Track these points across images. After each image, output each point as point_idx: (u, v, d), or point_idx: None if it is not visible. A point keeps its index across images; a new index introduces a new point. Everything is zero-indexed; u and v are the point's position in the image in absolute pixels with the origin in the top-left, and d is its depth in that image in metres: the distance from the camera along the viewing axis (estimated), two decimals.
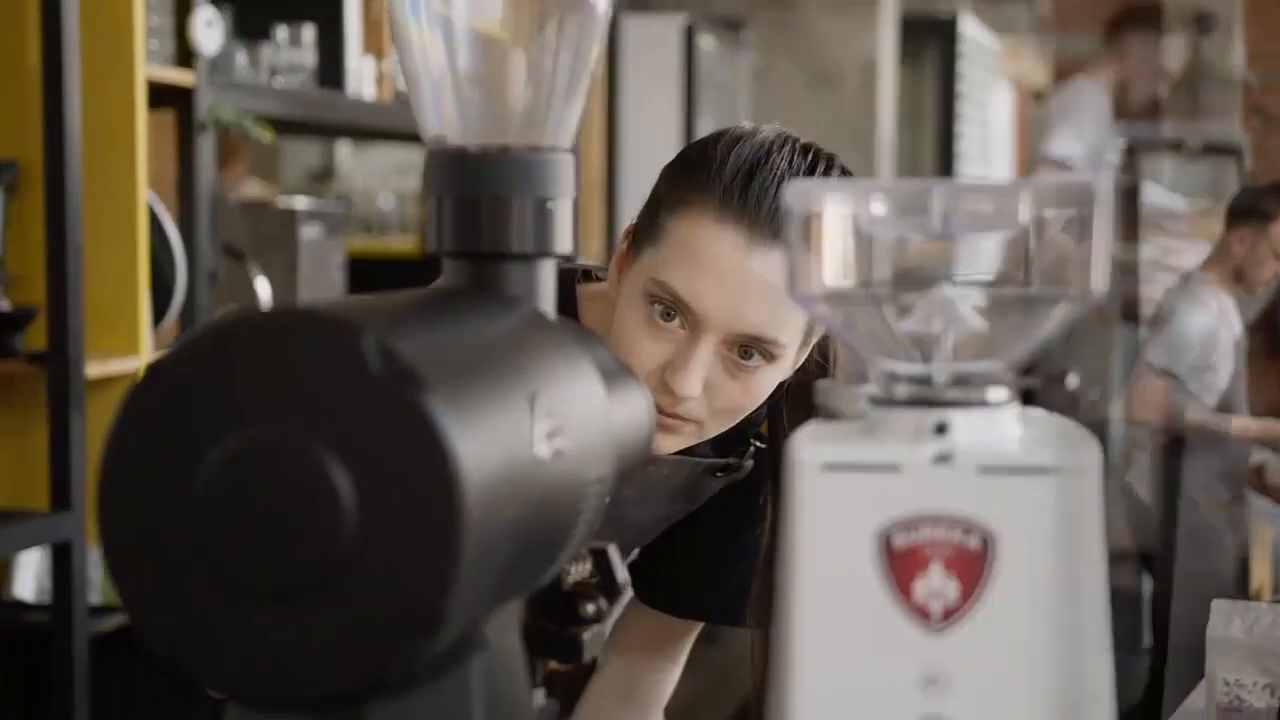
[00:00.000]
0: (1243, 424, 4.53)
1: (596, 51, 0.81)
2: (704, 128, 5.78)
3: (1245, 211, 4.39)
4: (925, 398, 0.68)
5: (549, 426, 0.68)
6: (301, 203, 3.28)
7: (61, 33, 2.38)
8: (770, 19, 5.77)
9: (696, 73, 5.07)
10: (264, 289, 3.03)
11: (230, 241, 3.08)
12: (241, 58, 3.01)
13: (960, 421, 0.67)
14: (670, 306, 1.26)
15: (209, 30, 2.69)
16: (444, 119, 0.78)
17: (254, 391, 0.60)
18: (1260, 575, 5.00)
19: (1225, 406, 4.38)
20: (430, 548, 0.59)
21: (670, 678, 1.53)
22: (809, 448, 0.67)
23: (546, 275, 0.79)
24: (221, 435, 0.60)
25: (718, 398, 1.28)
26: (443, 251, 0.77)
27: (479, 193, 0.77)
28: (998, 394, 0.69)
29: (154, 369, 0.61)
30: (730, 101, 5.43)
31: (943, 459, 0.66)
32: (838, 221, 0.68)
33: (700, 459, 1.41)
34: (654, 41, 4.90)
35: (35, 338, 2.43)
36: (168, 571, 0.61)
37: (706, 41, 5.18)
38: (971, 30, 7.79)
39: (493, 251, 0.77)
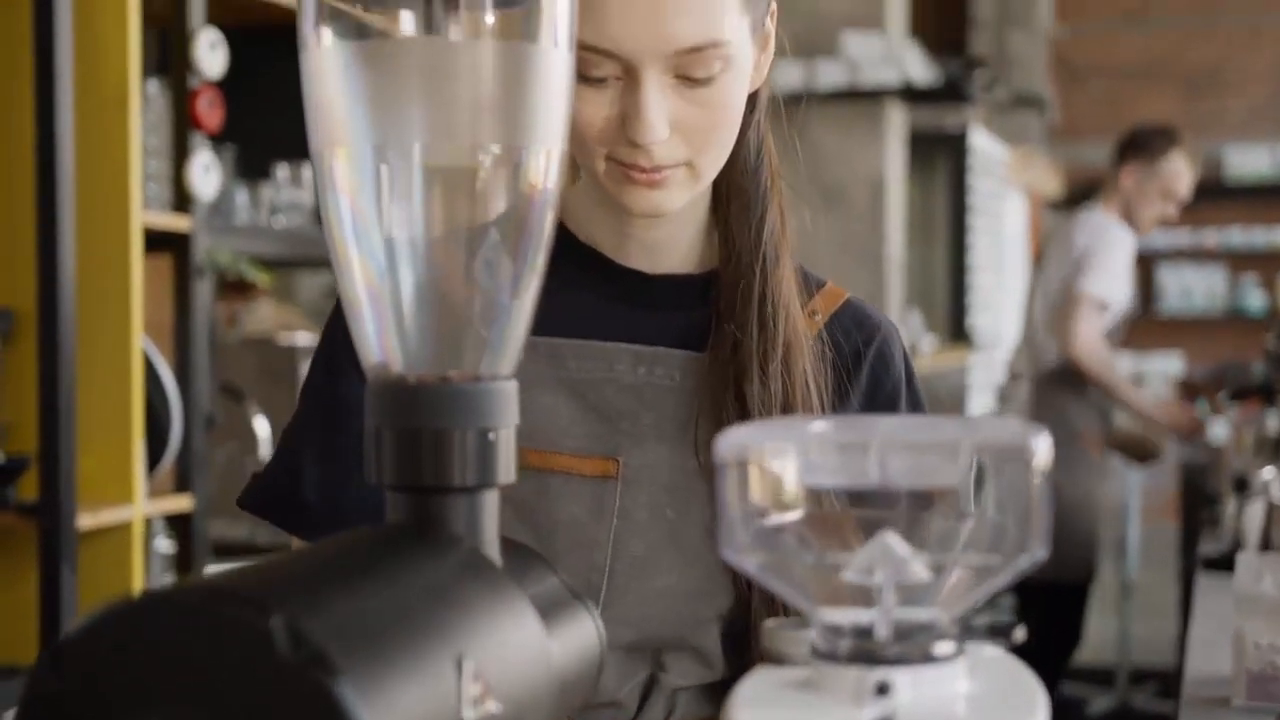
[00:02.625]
0: (1150, 402, 4.46)
1: (539, 270, 0.79)
2: None
3: (1134, 147, 4.41)
4: (867, 653, 0.66)
5: (478, 688, 0.66)
6: (304, 338, 3.28)
7: (57, 180, 2.38)
8: (777, 138, 5.78)
9: None
10: (263, 428, 3.02)
11: (230, 380, 3.08)
12: (242, 196, 3.02)
13: (903, 681, 0.65)
14: (593, 65, 1.13)
15: (206, 175, 2.70)
16: (384, 346, 0.77)
17: (158, 675, 0.58)
18: None
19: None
20: None
21: None
22: (746, 711, 0.65)
23: (489, 506, 0.77)
24: None
25: (691, 128, 1.16)
26: (384, 484, 0.76)
27: (419, 424, 0.75)
28: (943, 648, 0.66)
29: (58, 649, 0.59)
30: None
31: None
32: (772, 471, 0.66)
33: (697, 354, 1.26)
34: None
35: (27, 488, 2.41)
36: None
37: None
38: (981, 142, 7.82)
39: (434, 485, 0.75)
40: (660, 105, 1.14)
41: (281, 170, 3.13)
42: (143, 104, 2.61)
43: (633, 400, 1.25)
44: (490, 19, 0.82)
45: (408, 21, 0.91)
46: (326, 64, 0.75)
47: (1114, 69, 10.24)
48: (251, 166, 3.08)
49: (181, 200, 2.70)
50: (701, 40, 1.13)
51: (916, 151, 6.82)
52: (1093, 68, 10.26)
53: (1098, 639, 6.15)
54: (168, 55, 2.79)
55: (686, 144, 1.17)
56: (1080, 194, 9.94)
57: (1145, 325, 9.97)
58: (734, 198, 1.28)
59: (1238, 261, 10.01)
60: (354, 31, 0.76)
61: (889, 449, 0.66)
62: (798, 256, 1.34)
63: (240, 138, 3.01)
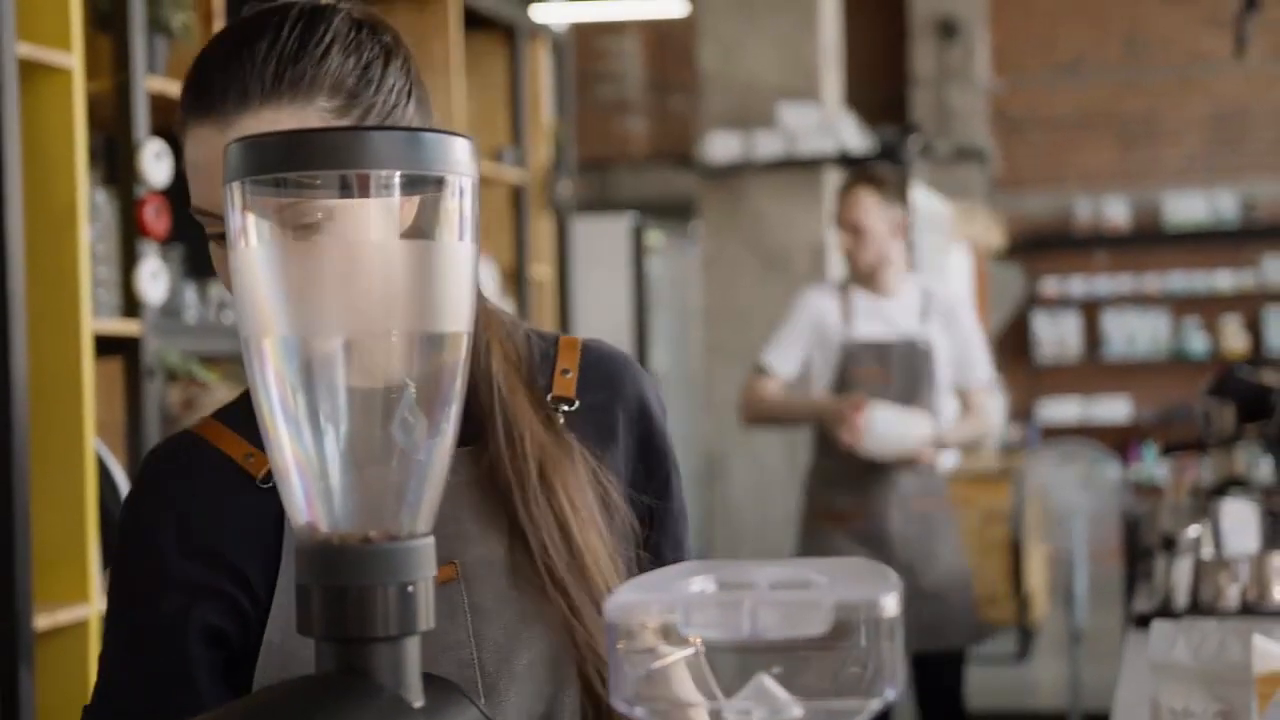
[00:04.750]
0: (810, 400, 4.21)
1: (451, 436, 0.88)
2: (656, 321, 5.92)
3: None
4: None
5: None
6: None
7: (8, 289, 2.45)
8: (719, 206, 5.91)
9: (647, 267, 5.19)
10: None
11: None
12: (191, 295, 3.09)
13: None
14: (209, 225, 1.22)
15: (154, 281, 2.77)
16: (311, 510, 0.85)
17: None
18: None
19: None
20: None
21: None
22: None
23: (411, 652, 0.85)
24: None
25: None
26: (315, 636, 0.84)
27: (344, 583, 0.83)
28: None
29: None
30: (681, 291, 5.55)
31: None
32: (655, 628, 0.75)
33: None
34: (604, 241, 5.06)
35: None
36: None
37: (655, 237, 5.31)
38: (923, 199, 7.95)
39: (359, 637, 0.83)
40: None
41: None
42: (91, 214, 2.69)
43: (444, 504, 1.34)
44: (400, 215, 0.92)
45: (325, 211, 1.00)
46: (253, 262, 0.84)
47: (1052, 120, 10.44)
48: (199, 265, 3.15)
49: (131, 305, 2.77)
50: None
51: None
52: (1032, 120, 10.45)
53: (1050, 684, 6.25)
54: (114, 165, 2.87)
55: None
56: (1023, 244, 10.12)
57: (1092, 370, 10.14)
58: None
59: (1180, 305, 10.20)
60: (277, 234, 0.85)
61: (760, 605, 0.75)
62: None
63: (187, 237, 3.08)
